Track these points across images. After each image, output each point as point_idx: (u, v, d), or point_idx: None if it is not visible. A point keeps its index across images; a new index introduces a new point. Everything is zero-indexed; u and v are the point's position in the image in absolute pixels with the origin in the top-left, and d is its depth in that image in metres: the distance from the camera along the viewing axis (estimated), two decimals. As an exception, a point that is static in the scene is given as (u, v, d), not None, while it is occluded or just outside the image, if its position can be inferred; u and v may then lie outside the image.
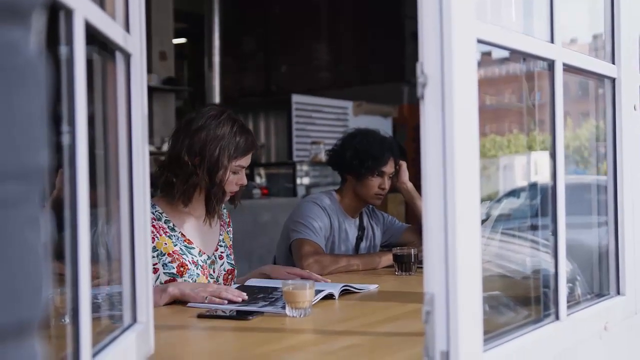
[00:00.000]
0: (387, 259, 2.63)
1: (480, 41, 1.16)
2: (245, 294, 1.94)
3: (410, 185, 2.92)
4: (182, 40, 10.14)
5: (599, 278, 1.78)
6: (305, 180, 7.11)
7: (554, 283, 1.42)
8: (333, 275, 2.52)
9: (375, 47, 9.04)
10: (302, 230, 2.67)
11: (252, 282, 2.24)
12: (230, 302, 1.89)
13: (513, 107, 2.11)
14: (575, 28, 1.94)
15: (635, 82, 1.78)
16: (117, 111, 1.23)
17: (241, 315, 1.75)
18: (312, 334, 1.65)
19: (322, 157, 6.85)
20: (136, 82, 1.24)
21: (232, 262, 2.31)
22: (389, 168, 2.81)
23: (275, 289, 2.03)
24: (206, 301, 1.90)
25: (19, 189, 0.52)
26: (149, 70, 7.10)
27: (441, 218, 1.08)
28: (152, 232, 2.09)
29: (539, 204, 1.71)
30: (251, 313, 1.76)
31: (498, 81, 1.94)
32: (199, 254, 2.18)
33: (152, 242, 2.08)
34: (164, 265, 2.09)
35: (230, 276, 2.27)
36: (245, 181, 2.21)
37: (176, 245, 2.13)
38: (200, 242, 2.20)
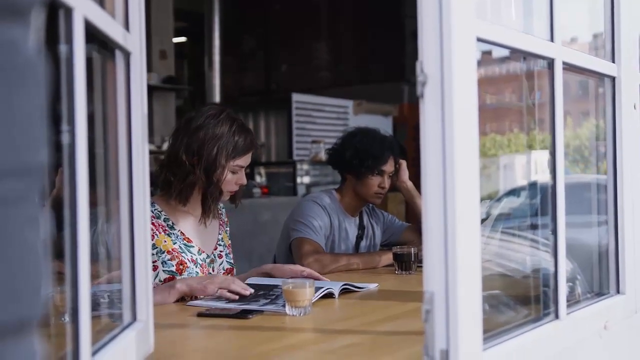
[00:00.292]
0: (387, 258, 2.63)
1: (480, 40, 1.16)
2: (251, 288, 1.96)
3: (410, 184, 2.92)
4: (182, 39, 10.15)
5: (599, 277, 1.78)
6: (306, 179, 7.11)
7: (554, 282, 1.42)
8: (333, 274, 2.52)
9: (376, 46, 9.04)
10: (302, 229, 2.67)
11: (252, 280, 2.24)
12: (240, 296, 1.91)
13: (513, 106, 2.11)
14: (576, 27, 1.94)
15: (635, 81, 1.78)
16: (116, 110, 1.23)
17: (241, 314, 1.75)
18: (312, 332, 1.65)
19: (323, 156, 6.85)
20: (136, 80, 1.24)
21: (231, 260, 2.32)
22: (389, 167, 2.81)
23: (275, 286, 2.03)
24: (217, 294, 1.91)
25: (18, 188, 0.52)
26: (149, 69, 7.10)
27: (441, 217, 1.08)
28: (152, 229, 2.09)
29: (539, 203, 1.71)
30: (251, 312, 1.76)
31: (498, 80, 1.94)
32: (198, 252, 2.18)
33: (152, 240, 2.08)
34: (164, 263, 2.09)
35: (229, 275, 2.28)
36: (244, 181, 2.20)
37: (175, 243, 2.13)
38: (200, 240, 2.21)
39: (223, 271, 2.26)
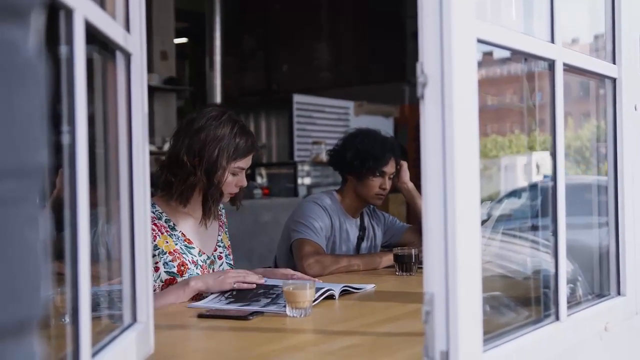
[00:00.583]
0: (388, 259, 2.63)
1: (480, 41, 1.16)
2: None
3: (411, 185, 2.92)
4: (183, 39, 10.16)
5: (600, 278, 1.78)
6: (307, 180, 7.11)
7: (554, 283, 1.42)
8: (334, 275, 2.52)
9: (376, 46, 9.04)
10: (303, 231, 2.67)
11: None
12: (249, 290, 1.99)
13: (515, 108, 2.11)
14: (577, 28, 1.94)
15: (636, 82, 1.77)
16: (117, 111, 1.23)
17: (241, 315, 1.75)
18: (312, 334, 1.65)
19: (323, 157, 6.86)
20: (136, 81, 1.24)
21: (231, 262, 2.32)
22: (390, 168, 2.81)
23: (274, 286, 2.04)
24: (235, 286, 1.96)
25: (18, 188, 0.52)
26: (150, 69, 7.11)
27: (441, 218, 1.08)
28: (154, 230, 2.10)
29: (540, 204, 1.71)
30: (251, 313, 1.76)
31: (500, 81, 1.94)
32: (198, 253, 2.18)
33: (154, 241, 2.08)
34: (165, 264, 2.09)
35: None
36: (245, 183, 2.21)
37: (177, 244, 2.14)
38: (200, 242, 2.21)
39: (223, 272, 2.27)
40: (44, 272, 0.55)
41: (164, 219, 2.15)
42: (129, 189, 1.24)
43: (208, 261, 2.21)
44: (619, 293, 1.71)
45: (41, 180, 0.56)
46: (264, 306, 1.84)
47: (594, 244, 1.84)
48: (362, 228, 2.92)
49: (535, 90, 1.66)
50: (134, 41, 1.24)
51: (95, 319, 1.12)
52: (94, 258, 1.28)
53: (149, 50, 7.06)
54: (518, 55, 1.49)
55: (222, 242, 2.31)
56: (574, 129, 2.12)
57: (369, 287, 2.19)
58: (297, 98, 7.85)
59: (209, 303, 1.91)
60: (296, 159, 7.52)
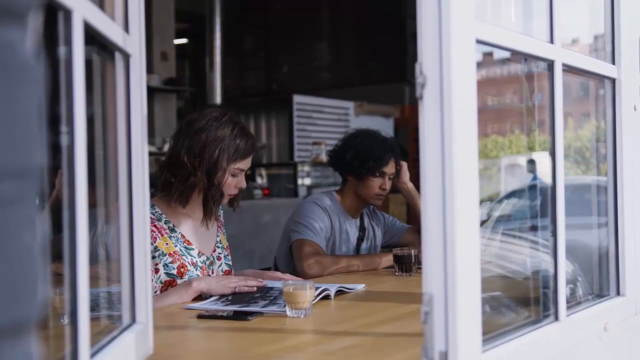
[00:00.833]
0: (388, 259, 2.63)
1: (479, 41, 1.16)
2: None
3: (411, 185, 2.92)
4: (184, 40, 10.16)
5: (599, 279, 1.78)
6: (307, 181, 7.12)
7: (554, 283, 1.42)
8: (333, 276, 2.52)
9: (377, 47, 9.04)
10: (303, 231, 2.67)
11: None
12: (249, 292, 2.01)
13: (515, 108, 2.11)
14: (577, 28, 1.94)
15: (636, 83, 1.78)
16: (116, 112, 1.23)
17: (241, 316, 1.75)
18: (312, 334, 1.65)
19: (324, 157, 6.86)
20: (135, 82, 1.25)
21: (230, 262, 2.32)
22: (390, 168, 2.81)
23: (270, 288, 2.05)
24: (236, 290, 1.98)
25: (15, 188, 0.52)
26: (150, 70, 7.11)
27: (440, 218, 1.08)
28: (154, 232, 2.10)
29: (540, 204, 1.71)
30: (251, 313, 1.76)
31: (500, 81, 1.94)
32: (198, 255, 2.18)
33: (154, 242, 2.09)
34: (165, 265, 2.09)
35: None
36: (244, 184, 2.21)
37: (176, 246, 2.14)
38: (199, 243, 2.21)
39: (222, 273, 2.27)
40: (41, 272, 0.55)
41: (163, 220, 2.15)
42: (128, 189, 1.24)
43: (207, 262, 2.22)
44: (618, 293, 1.71)
45: (39, 181, 0.56)
46: (262, 307, 1.84)
47: (593, 245, 1.84)
48: (362, 228, 2.92)
49: (535, 91, 1.66)
50: (133, 42, 1.24)
51: (95, 319, 1.12)
52: (94, 259, 1.28)
53: (149, 51, 7.07)
54: (518, 55, 1.49)
55: (220, 243, 2.31)
56: (574, 129, 2.12)
57: (360, 287, 2.20)
58: (297, 98, 7.85)
59: (207, 305, 1.91)
60: (296, 159, 7.52)
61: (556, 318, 1.42)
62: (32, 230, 0.53)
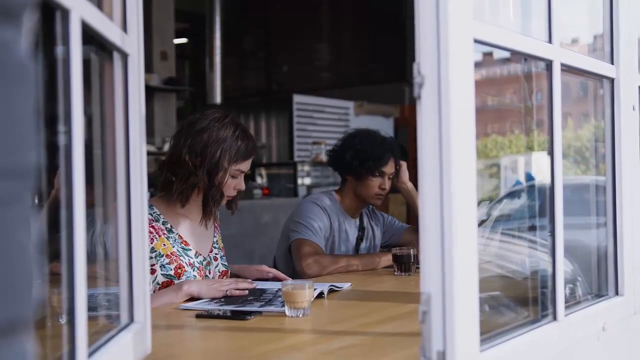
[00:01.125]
0: (387, 259, 2.63)
1: (477, 41, 1.16)
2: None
3: (410, 185, 2.92)
4: (183, 40, 10.16)
5: (598, 278, 1.78)
6: (307, 181, 7.12)
7: (552, 283, 1.42)
8: (333, 275, 2.52)
9: (377, 46, 9.04)
10: (302, 231, 2.67)
11: None
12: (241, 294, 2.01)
13: (515, 108, 2.11)
14: (577, 28, 1.94)
15: (634, 83, 1.78)
16: (114, 111, 1.23)
17: (240, 315, 1.75)
18: (311, 333, 1.65)
19: (324, 157, 6.86)
20: (134, 82, 1.25)
21: (225, 263, 2.33)
22: (389, 168, 2.81)
23: (263, 290, 2.05)
24: (228, 293, 1.98)
25: (10, 188, 0.52)
26: (150, 70, 7.10)
27: (438, 218, 1.08)
28: (151, 233, 2.10)
29: (539, 204, 1.71)
30: (250, 313, 1.76)
31: (500, 81, 1.94)
32: (195, 255, 2.18)
33: (151, 244, 2.08)
34: (162, 266, 2.09)
35: (224, 277, 2.28)
36: (243, 186, 2.22)
37: (174, 247, 2.14)
38: (196, 243, 2.21)
39: (219, 273, 2.27)
40: (36, 272, 0.55)
41: (161, 221, 2.15)
42: (127, 189, 1.24)
43: (204, 262, 2.22)
44: (617, 293, 1.71)
45: (34, 180, 0.56)
46: (260, 307, 1.84)
47: (592, 244, 1.84)
48: (361, 228, 2.92)
49: (535, 91, 1.66)
50: (131, 41, 1.24)
51: (93, 319, 1.12)
52: (93, 258, 1.28)
53: (149, 51, 7.07)
54: (518, 55, 1.49)
55: (217, 244, 2.32)
56: (574, 129, 2.12)
57: (346, 285, 2.22)
58: (297, 98, 7.85)
59: (201, 305, 1.91)
60: (296, 159, 7.52)
61: (554, 318, 1.42)
62: (27, 229, 0.53)
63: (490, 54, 1.40)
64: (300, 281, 1.85)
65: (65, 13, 0.89)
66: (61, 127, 0.90)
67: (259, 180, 7.16)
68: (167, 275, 2.09)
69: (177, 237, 2.16)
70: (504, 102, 2.25)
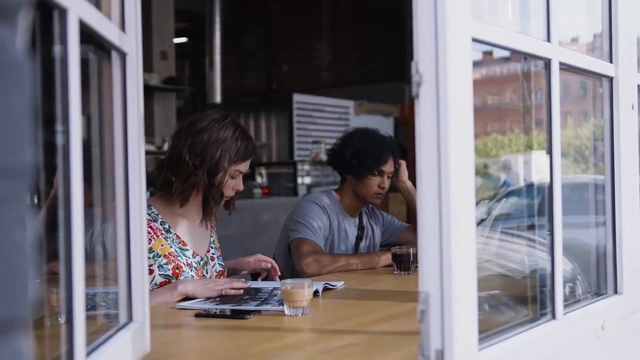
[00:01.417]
0: (386, 258, 2.63)
1: (475, 40, 1.16)
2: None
3: (409, 184, 2.91)
4: (183, 39, 10.16)
5: (597, 277, 1.78)
6: (307, 180, 7.12)
7: (551, 282, 1.42)
8: (332, 274, 2.52)
9: (377, 45, 9.04)
10: (301, 230, 2.67)
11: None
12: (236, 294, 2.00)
13: (515, 107, 2.11)
14: (577, 27, 1.94)
15: (633, 81, 1.78)
16: (113, 111, 1.23)
17: (239, 314, 1.75)
18: (310, 332, 1.65)
19: (323, 156, 6.85)
20: (132, 81, 1.25)
21: (222, 262, 2.33)
22: (389, 167, 2.81)
23: (258, 289, 2.06)
24: (222, 293, 1.99)
25: (5, 187, 0.52)
26: (150, 69, 7.10)
27: (436, 217, 1.08)
28: (149, 233, 2.09)
29: (538, 203, 1.71)
30: (249, 312, 1.76)
31: (500, 80, 1.94)
32: (192, 255, 2.19)
33: (149, 244, 2.08)
34: (160, 267, 2.09)
35: (221, 277, 2.28)
36: (241, 187, 2.23)
37: (172, 247, 2.14)
38: (193, 243, 2.21)
39: (216, 273, 2.27)
40: (32, 271, 0.55)
41: (159, 221, 2.15)
42: (125, 188, 1.24)
43: (202, 262, 2.22)
44: (616, 292, 1.71)
45: (30, 179, 0.56)
46: (257, 305, 1.85)
47: (591, 243, 1.84)
48: (360, 227, 2.92)
49: (535, 89, 1.66)
50: (129, 41, 1.24)
51: (92, 318, 1.12)
52: (93, 258, 1.28)
53: (149, 50, 7.07)
54: (518, 54, 1.49)
55: (214, 244, 2.32)
56: (574, 128, 2.12)
57: (339, 284, 2.23)
58: (297, 97, 7.84)
59: (197, 304, 1.91)
60: (296, 158, 7.52)
61: (553, 316, 1.42)
62: (23, 228, 0.54)
63: (490, 53, 1.40)
64: (300, 280, 1.85)
65: (63, 12, 0.89)
66: (59, 127, 0.90)
67: (259, 179, 7.16)
68: (165, 275, 2.09)
69: (174, 237, 2.16)
70: (504, 101, 2.25)
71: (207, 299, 1.96)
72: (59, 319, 1.17)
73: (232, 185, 2.19)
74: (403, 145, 3.09)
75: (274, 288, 2.09)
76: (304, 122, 7.85)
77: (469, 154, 1.12)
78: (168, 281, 2.09)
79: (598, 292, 1.74)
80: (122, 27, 1.23)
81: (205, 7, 8.40)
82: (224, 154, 2.13)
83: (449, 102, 1.07)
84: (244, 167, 2.20)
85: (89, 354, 0.98)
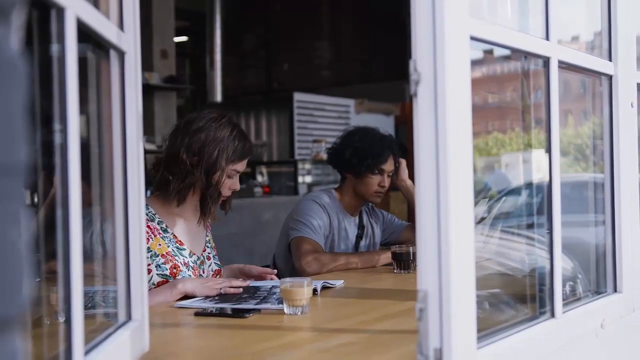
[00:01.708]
0: (386, 257, 2.63)
1: (473, 38, 1.16)
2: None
3: (409, 182, 2.91)
4: (184, 38, 10.15)
5: (596, 275, 1.77)
6: (307, 179, 7.11)
7: (550, 280, 1.42)
8: (332, 273, 2.52)
9: (377, 44, 9.03)
10: (301, 229, 2.67)
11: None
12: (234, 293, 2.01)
13: (515, 105, 2.11)
14: (577, 26, 1.93)
15: (633, 80, 1.77)
16: (111, 110, 1.23)
17: (238, 313, 1.75)
18: (309, 331, 1.65)
19: (324, 155, 6.84)
20: (130, 80, 1.25)
21: (218, 262, 2.33)
22: (389, 166, 2.81)
23: (257, 288, 2.06)
24: (222, 291, 1.99)
25: (0, 185, 0.52)
26: (150, 68, 7.10)
27: (434, 216, 1.08)
28: (147, 232, 2.09)
29: (538, 201, 1.71)
30: (248, 311, 1.76)
31: (501, 79, 1.94)
32: (189, 255, 2.19)
33: (147, 243, 2.08)
34: (158, 266, 2.09)
35: (217, 276, 2.28)
36: (238, 187, 2.23)
37: (169, 246, 2.14)
38: (190, 243, 2.22)
39: (212, 272, 2.28)
40: (27, 270, 0.55)
41: (156, 220, 2.15)
42: (124, 187, 1.24)
43: (198, 262, 2.22)
44: (615, 290, 1.71)
45: (25, 178, 0.56)
46: (257, 304, 1.85)
47: (591, 242, 1.84)
48: (360, 226, 2.92)
49: (535, 88, 1.66)
50: (128, 40, 1.24)
51: (90, 317, 1.12)
52: (92, 257, 1.28)
53: (149, 49, 7.07)
54: (517, 52, 1.48)
55: (209, 243, 2.32)
56: (575, 126, 2.12)
57: (338, 283, 2.23)
58: (298, 96, 7.83)
59: (196, 303, 1.91)
60: (297, 157, 7.51)
61: (552, 315, 1.42)
62: (17, 227, 0.53)
63: (491, 52, 1.40)
64: (299, 279, 1.86)
65: (61, 11, 0.89)
66: (57, 126, 0.90)
67: (259, 178, 7.15)
68: (162, 275, 2.09)
69: (171, 236, 2.16)
70: (505, 99, 2.24)
71: (206, 297, 1.97)
72: (59, 318, 1.17)
73: (229, 184, 2.19)
74: (403, 144, 3.09)
75: (273, 286, 2.09)
76: (304, 121, 7.84)
77: (467, 153, 1.12)
78: (166, 281, 2.09)
79: (597, 290, 1.74)
80: (121, 26, 1.23)
81: (205, 6, 8.39)
82: (222, 153, 2.13)
83: (447, 101, 1.06)
84: (241, 166, 2.20)
85: (87, 352, 0.98)
